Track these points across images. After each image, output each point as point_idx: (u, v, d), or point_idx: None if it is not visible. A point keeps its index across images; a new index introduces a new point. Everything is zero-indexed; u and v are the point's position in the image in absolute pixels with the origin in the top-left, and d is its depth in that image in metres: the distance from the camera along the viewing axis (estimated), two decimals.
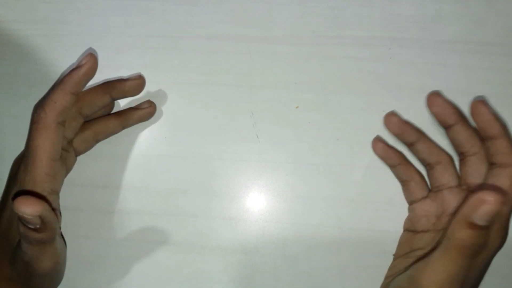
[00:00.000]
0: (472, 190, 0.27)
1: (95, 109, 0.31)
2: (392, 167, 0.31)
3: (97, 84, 0.32)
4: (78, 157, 0.32)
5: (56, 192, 0.28)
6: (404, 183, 0.31)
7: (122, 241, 0.32)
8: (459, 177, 0.29)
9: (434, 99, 0.29)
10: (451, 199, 0.29)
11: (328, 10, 0.34)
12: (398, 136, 0.30)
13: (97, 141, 0.32)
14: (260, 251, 0.32)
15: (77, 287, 0.32)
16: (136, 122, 0.33)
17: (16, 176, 0.28)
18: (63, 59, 0.34)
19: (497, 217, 0.22)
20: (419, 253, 0.28)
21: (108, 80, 0.32)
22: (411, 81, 0.32)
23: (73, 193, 0.33)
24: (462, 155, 0.29)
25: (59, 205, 0.30)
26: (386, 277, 0.30)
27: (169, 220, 0.32)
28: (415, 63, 0.33)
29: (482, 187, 0.27)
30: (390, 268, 0.30)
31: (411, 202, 0.31)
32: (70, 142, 0.31)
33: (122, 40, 0.34)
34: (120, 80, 0.31)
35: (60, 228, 0.32)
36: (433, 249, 0.28)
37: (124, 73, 0.34)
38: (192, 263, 0.32)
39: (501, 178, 0.26)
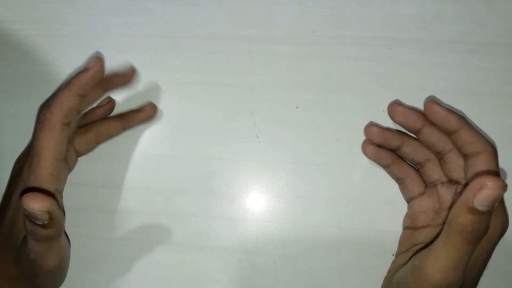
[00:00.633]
0: (472, 177, 0.28)
1: (90, 104, 0.31)
2: (385, 167, 0.31)
3: None
4: (79, 158, 0.32)
5: (60, 192, 0.29)
6: (400, 181, 0.31)
7: (122, 240, 0.32)
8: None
9: (395, 109, 0.30)
10: (446, 194, 0.29)
11: (328, 10, 0.34)
12: (382, 144, 0.31)
13: (98, 143, 0.32)
14: (260, 251, 0.32)
15: (78, 286, 0.32)
16: (137, 125, 0.33)
17: (20, 176, 0.28)
18: (63, 59, 0.34)
19: (497, 202, 0.22)
20: (421, 247, 0.29)
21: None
22: (411, 81, 0.32)
23: (73, 193, 0.33)
24: (439, 155, 0.29)
25: (62, 204, 0.30)
26: (388, 272, 0.30)
27: (169, 220, 0.32)
28: (415, 63, 0.33)
29: (482, 173, 0.27)
30: (392, 264, 0.30)
31: (409, 200, 0.31)
32: (70, 141, 0.31)
33: (122, 40, 0.34)
34: (112, 73, 0.31)
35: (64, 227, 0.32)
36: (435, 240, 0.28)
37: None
38: (192, 263, 0.32)
39: (478, 167, 0.26)
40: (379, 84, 0.33)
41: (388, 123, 0.32)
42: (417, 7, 0.33)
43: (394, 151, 0.31)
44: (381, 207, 0.32)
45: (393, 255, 0.31)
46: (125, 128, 0.32)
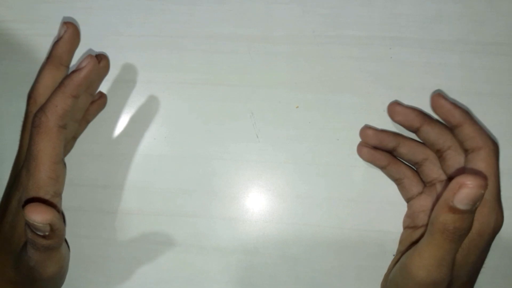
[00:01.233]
0: (453, 175, 0.28)
1: (83, 108, 0.31)
2: (382, 168, 0.31)
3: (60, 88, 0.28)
4: (79, 158, 0.32)
5: (59, 195, 0.28)
6: (398, 181, 0.31)
7: (122, 241, 0.32)
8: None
9: (394, 109, 0.30)
10: None
11: (328, 10, 0.34)
12: (378, 146, 0.31)
13: (76, 121, 0.31)
14: (260, 251, 0.32)
15: (78, 286, 0.32)
16: (97, 81, 0.32)
17: (18, 181, 0.28)
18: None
19: (480, 200, 0.22)
20: None
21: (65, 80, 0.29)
22: (411, 81, 0.32)
23: (73, 193, 0.33)
24: (438, 152, 0.29)
25: (61, 206, 0.30)
26: (388, 270, 0.30)
27: (169, 220, 0.32)
28: (415, 63, 0.33)
29: (462, 171, 0.28)
30: (391, 263, 0.30)
31: (408, 199, 0.31)
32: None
33: (122, 40, 0.34)
34: (74, 72, 0.28)
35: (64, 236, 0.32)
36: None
37: (124, 73, 0.34)
38: (192, 263, 0.32)
39: (477, 162, 0.27)
40: (379, 84, 0.33)
41: (388, 122, 0.32)
42: (417, 7, 0.33)
43: (391, 152, 0.31)
44: (381, 207, 0.32)
45: (393, 255, 0.31)
46: (91, 93, 0.31)
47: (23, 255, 0.26)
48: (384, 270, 0.31)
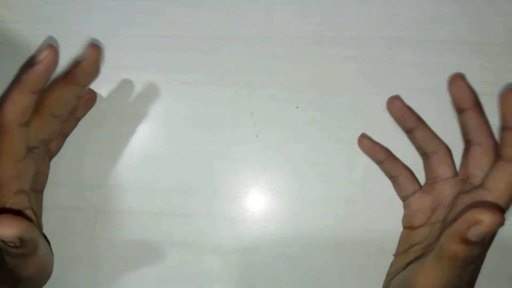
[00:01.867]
0: (471, 205, 0.27)
1: (67, 104, 0.29)
2: (379, 163, 0.31)
3: (57, 77, 0.29)
4: (79, 158, 0.32)
5: (23, 191, 0.27)
6: (393, 179, 0.31)
7: (122, 240, 0.32)
8: (455, 169, 0.29)
9: (456, 81, 0.29)
10: (447, 191, 0.29)
11: (328, 10, 0.34)
12: (398, 120, 0.31)
13: (55, 115, 0.29)
14: (260, 251, 0.32)
15: (78, 286, 0.32)
16: (84, 74, 0.29)
17: None
18: (63, 59, 0.34)
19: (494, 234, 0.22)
20: (417, 248, 0.29)
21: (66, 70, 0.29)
22: (411, 81, 0.32)
23: (73, 193, 0.33)
24: (468, 143, 0.29)
25: (39, 200, 0.29)
26: (388, 275, 0.30)
27: (169, 220, 0.32)
28: (415, 63, 0.33)
29: (479, 203, 0.26)
30: (391, 266, 0.30)
31: (404, 198, 0.31)
32: (42, 140, 0.29)
33: (122, 40, 0.34)
34: (75, 64, 0.28)
35: (42, 227, 0.32)
36: (428, 246, 0.28)
37: (124, 73, 0.34)
38: (192, 263, 0.32)
39: (502, 173, 0.26)
40: (379, 84, 0.33)
41: (387, 122, 0.32)
42: (417, 7, 0.33)
43: (406, 132, 0.31)
44: (380, 207, 0.32)
45: (393, 255, 0.31)
46: (78, 84, 0.29)
47: (1, 258, 0.26)
48: (384, 270, 0.31)
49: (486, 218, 0.21)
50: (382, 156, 0.31)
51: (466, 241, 0.22)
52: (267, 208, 0.32)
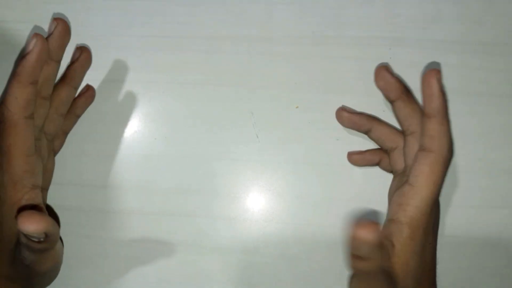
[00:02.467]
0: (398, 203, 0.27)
1: (52, 83, 0.29)
2: (367, 132, 0.31)
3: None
4: (79, 158, 0.32)
5: (38, 186, 0.27)
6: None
7: (122, 240, 0.32)
8: None
9: (380, 72, 0.29)
10: (392, 187, 0.30)
11: (328, 10, 0.34)
12: (352, 128, 0.31)
13: (61, 115, 0.31)
14: (260, 251, 0.32)
15: (78, 286, 0.32)
16: (80, 73, 0.32)
17: None
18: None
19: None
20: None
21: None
22: (411, 81, 0.32)
23: (73, 193, 0.33)
24: (404, 134, 0.29)
25: (44, 199, 0.29)
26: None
27: (169, 220, 0.32)
28: (415, 63, 0.33)
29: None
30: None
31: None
32: (41, 129, 0.29)
33: (122, 40, 0.34)
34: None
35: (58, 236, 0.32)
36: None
37: (124, 73, 0.34)
38: (192, 263, 0.32)
39: (422, 165, 0.25)
40: None
41: (389, 122, 0.32)
42: (417, 7, 0.33)
43: (365, 134, 0.31)
44: (380, 207, 0.32)
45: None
46: (74, 86, 0.31)
47: (18, 254, 0.26)
48: None
49: (361, 234, 0.21)
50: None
51: (358, 257, 0.23)
52: (267, 208, 0.32)
